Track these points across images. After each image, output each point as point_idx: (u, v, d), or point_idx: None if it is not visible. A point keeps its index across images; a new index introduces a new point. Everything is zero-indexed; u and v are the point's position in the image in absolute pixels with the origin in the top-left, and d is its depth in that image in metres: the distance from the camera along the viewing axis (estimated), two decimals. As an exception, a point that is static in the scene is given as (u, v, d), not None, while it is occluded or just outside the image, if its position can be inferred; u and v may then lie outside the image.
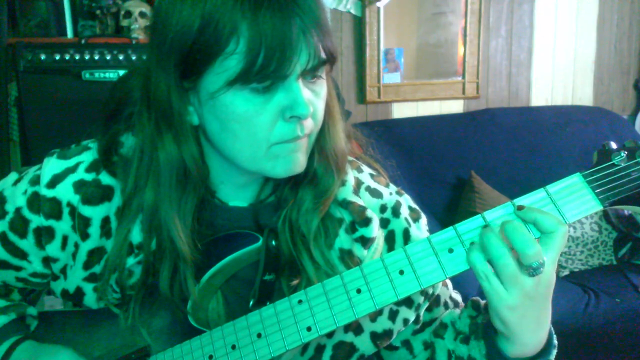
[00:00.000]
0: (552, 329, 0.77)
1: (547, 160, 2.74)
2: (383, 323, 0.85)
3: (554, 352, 0.77)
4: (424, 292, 0.87)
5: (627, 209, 0.69)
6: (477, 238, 0.69)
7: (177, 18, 0.69)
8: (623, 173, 0.67)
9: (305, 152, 0.77)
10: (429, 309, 0.91)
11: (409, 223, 0.88)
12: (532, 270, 0.65)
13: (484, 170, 2.64)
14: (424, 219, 0.91)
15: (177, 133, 0.75)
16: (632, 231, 2.48)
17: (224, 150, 0.76)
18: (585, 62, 3.19)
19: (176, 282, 0.81)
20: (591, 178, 0.68)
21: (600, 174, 0.68)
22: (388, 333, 0.86)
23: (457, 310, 0.92)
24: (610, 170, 0.68)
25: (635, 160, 0.67)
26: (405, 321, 0.87)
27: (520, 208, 0.68)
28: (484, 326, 0.80)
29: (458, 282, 0.95)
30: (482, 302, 0.84)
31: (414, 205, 0.91)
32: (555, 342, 0.77)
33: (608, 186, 0.67)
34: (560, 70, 3.15)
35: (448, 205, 2.63)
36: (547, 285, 0.69)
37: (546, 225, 0.66)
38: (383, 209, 0.88)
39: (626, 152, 0.68)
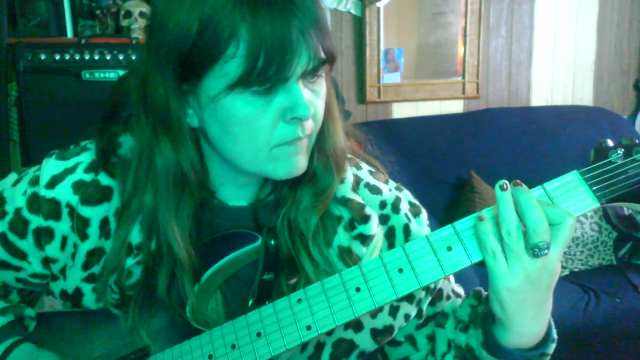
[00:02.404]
0: (553, 322, 0.77)
1: (547, 160, 2.73)
2: (384, 319, 0.85)
3: (553, 346, 0.77)
4: (425, 287, 0.87)
5: (625, 206, 0.69)
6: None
7: (174, 21, 0.68)
8: (620, 170, 0.67)
9: (306, 153, 0.77)
10: (432, 303, 0.91)
11: (409, 219, 0.88)
12: (537, 251, 0.66)
13: (484, 170, 2.63)
14: (424, 214, 0.91)
15: (174, 137, 0.75)
16: (632, 231, 2.48)
17: (225, 152, 0.76)
18: (585, 62, 3.19)
19: (174, 287, 0.81)
20: (588, 175, 0.68)
21: (597, 171, 0.68)
22: (389, 329, 0.86)
23: (459, 300, 0.92)
24: (607, 168, 0.68)
25: (632, 158, 0.67)
26: (407, 317, 0.87)
27: None
28: (483, 315, 0.80)
29: (457, 280, 0.96)
30: (484, 292, 0.84)
31: (414, 201, 0.91)
32: (555, 336, 0.77)
33: (605, 183, 0.68)
34: (560, 70, 3.15)
35: (448, 205, 2.63)
36: (551, 273, 0.69)
37: (554, 217, 0.66)
38: (382, 205, 0.88)
39: (623, 150, 0.68)
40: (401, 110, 2.91)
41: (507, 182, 0.68)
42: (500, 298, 0.69)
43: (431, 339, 0.92)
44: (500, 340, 0.75)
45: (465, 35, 2.91)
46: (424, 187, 2.56)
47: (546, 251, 0.66)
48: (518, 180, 0.68)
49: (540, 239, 0.65)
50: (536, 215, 0.65)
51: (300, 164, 0.76)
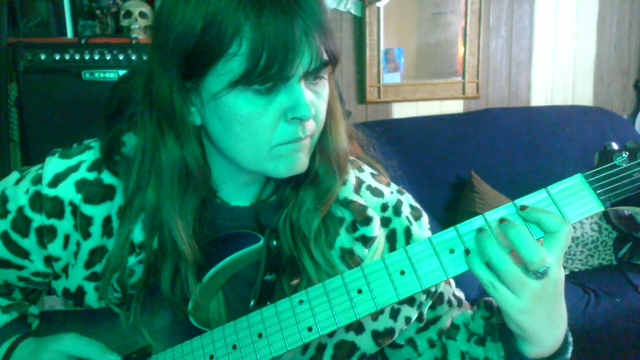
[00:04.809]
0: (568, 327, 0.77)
1: (547, 160, 2.74)
2: (385, 322, 0.85)
3: (570, 349, 0.77)
4: (426, 290, 0.87)
5: (628, 210, 0.69)
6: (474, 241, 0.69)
7: (179, 19, 0.69)
8: (625, 174, 0.67)
9: (308, 152, 0.77)
10: (432, 307, 0.91)
11: (410, 221, 0.88)
12: (539, 275, 0.65)
13: (484, 170, 2.64)
14: (425, 218, 0.91)
15: (179, 133, 0.75)
16: (632, 231, 2.48)
17: (226, 150, 0.76)
18: (585, 62, 3.19)
19: (177, 283, 0.81)
20: (592, 179, 0.68)
21: (602, 175, 0.68)
22: (390, 332, 0.86)
23: (469, 311, 0.92)
24: (612, 171, 0.67)
25: (636, 161, 0.67)
26: (407, 319, 0.87)
27: (523, 208, 0.68)
28: (500, 328, 0.80)
29: (458, 282, 0.96)
30: (495, 303, 0.84)
31: (415, 204, 0.91)
32: (570, 339, 0.77)
33: (609, 187, 0.67)
34: (560, 70, 3.15)
35: (448, 205, 2.63)
36: (555, 284, 0.68)
37: (550, 225, 0.66)
38: (384, 207, 0.88)
39: (627, 153, 0.67)
40: (401, 110, 2.91)
41: (483, 226, 0.67)
42: (514, 320, 0.69)
43: (432, 343, 0.92)
44: (524, 353, 0.75)
45: (465, 35, 2.91)
46: (424, 187, 2.56)
47: (548, 272, 0.66)
48: (503, 217, 0.67)
49: (538, 267, 0.65)
50: (530, 246, 0.64)
51: (301, 161, 0.76)
